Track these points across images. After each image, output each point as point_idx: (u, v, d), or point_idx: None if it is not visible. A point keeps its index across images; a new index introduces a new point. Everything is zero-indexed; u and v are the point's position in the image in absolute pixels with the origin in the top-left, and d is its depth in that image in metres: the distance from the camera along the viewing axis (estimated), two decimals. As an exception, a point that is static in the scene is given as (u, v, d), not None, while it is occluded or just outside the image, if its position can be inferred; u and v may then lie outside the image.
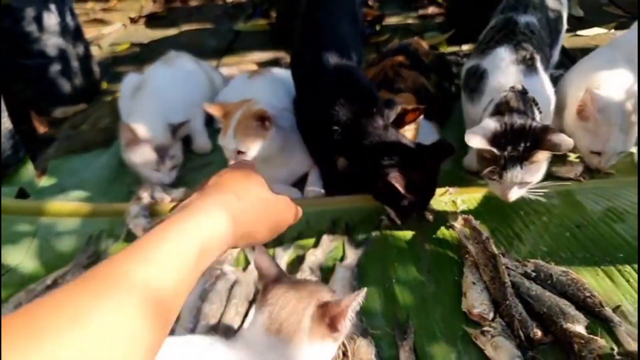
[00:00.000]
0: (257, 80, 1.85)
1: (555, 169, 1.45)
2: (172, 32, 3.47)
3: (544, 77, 1.42)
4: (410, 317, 1.12)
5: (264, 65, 2.55)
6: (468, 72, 1.53)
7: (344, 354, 1.02)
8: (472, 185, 1.51)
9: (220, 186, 0.65)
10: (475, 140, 1.19)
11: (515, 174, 1.19)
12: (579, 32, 2.60)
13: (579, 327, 1.00)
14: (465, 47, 2.61)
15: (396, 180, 1.21)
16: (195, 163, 1.84)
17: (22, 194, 1.71)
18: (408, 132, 1.44)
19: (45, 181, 1.83)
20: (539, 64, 1.40)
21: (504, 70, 1.37)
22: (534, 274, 1.16)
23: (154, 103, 1.80)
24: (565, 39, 2.51)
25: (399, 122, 1.42)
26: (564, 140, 1.15)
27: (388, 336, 1.09)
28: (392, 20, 3.18)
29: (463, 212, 1.37)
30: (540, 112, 1.29)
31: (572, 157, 1.57)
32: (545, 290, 1.11)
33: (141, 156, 1.64)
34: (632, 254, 1.18)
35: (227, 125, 1.45)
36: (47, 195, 1.72)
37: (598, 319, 1.05)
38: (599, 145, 1.41)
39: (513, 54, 1.39)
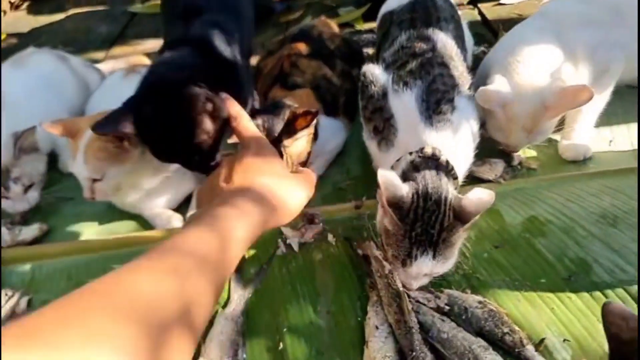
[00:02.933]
0: (133, 80, 1.52)
1: (475, 168, 1.26)
2: (58, 17, 3.00)
3: (467, 113, 1.13)
4: (302, 380, 0.91)
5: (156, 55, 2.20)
6: (370, 98, 1.17)
7: None
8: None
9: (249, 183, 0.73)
10: (388, 184, 0.92)
11: (422, 263, 0.91)
12: (502, 1, 2.42)
13: (496, 381, 0.83)
14: (384, 24, 2.38)
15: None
16: (61, 186, 1.51)
17: None
18: (301, 141, 1.20)
19: None
20: (454, 108, 1.09)
21: (413, 125, 1.07)
22: (447, 307, 0.98)
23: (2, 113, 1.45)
24: (487, 9, 2.34)
25: (289, 130, 1.16)
26: (479, 194, 0.88)
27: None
28: (305, -7, 2.89)
29: (369, 232, 1.16)
30: (455, 178, 1.03)
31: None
32: (459, 329, 0.92)
33: None
34: (554, 279, 1.02)
35: (76, 147, 1.16)
36: None
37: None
38: (500, 137, 1.27)
39: (422, 102, 1.08)
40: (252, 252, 1.19)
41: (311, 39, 1.65)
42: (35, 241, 1.31)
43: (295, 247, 1.18)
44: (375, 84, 1.17)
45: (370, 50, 1.99)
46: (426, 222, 0.90)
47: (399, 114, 1.11)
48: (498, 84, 1.20)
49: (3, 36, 2.85)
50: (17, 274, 1.21)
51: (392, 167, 1.07)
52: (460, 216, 0.90)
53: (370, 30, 2.34)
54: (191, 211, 1.30)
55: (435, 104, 1.08)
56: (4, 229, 1.29)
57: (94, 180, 1.17)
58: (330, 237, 1.20)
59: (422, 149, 1.03)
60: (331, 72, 1.57)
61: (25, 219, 1.38)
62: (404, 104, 1.10)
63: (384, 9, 1.49)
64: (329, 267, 1.14)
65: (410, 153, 1.04)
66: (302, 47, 1.60)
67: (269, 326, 1.03)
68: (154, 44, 2.44)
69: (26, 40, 2.71)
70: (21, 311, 1.12)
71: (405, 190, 0.93)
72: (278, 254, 1.18)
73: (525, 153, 1.39)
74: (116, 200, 1.32)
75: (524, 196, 1.24)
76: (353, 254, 1.15)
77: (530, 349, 0.89)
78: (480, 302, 0.97)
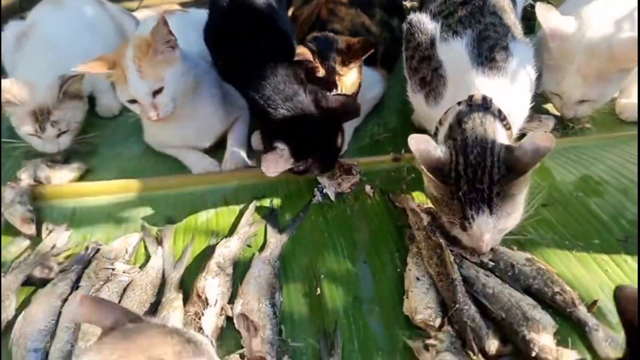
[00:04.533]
0: (169, 21, 1.49)
1: (523, 125, 1.19)
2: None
3: (524, 57, 1.05)
4: (340, 324, 0.90)
5: (190, 6, 2.16)
6: (417, 47, 1.10)
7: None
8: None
9: None
10: (421, 148, 0.87)
11: (482, 222, 0.85)
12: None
13: (546, 337, 0.79)
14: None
15: (266, 164, 1.00)
16: (99, 129, 1.51)
17: None
18: (354, 71, 1.15)
19: None
20: (509, 55, 1.02)
21: (463, 74, 1.00)
22: (491, 263, 0.94)
23: (43, 53, 1.45)
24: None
25: (343, 60, 1.12)
26: (538, 138, 0.83)
27: (312, 350, 0.87)
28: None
29: (408, 185, 1.12)
30: (509, 128, 0.96)
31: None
32: (505, 286, 0.88)
33: (17, 120, 1.33)
34: (609, 240, 0.96)
35: (125, 70, 1.14)
36: None
37: (570, 321, 0.84)
38: (552, 84, 1.18)
39: (474, 48, 1.01)
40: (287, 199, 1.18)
41: (350, -14, 1.58)
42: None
43: (332, 197, 1.16)
44: (422, 32, 1.10)
45: (407, 4, 1.90)
46: (472, 178, 0.84)
47: (448, 63, 1.04)
48: (564, 19, 1.13)
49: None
50: (59, 210, 1.23)
51: (440, 122, 1.01)
52: (515, 167, 0.84)
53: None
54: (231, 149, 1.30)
55: (488, 50, 1.01)
56: (43, 166, 1.30)
57: (155, 94, 1.16)
58: (367, 189, 1.17)
59: (471, 97, 0.97)
60: (370, 21, 1.50)
61: (66, 158, 1.39)
62: (454, 52, 1.03)
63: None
64: (366, 218, 1.11)
65: (459, 103, 0.98)
66: (340, -6, 1.53)
67: (305, 272, 1.01)
68: (187, -6, 2.40)
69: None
70: (62, 245, 1.14)
71: (441, 150, 0.88)
72: (314, 202, 1.16)
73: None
74: (165, 133, 1.32)
75: (577, 155, 1.17)
76: (392, 206, 1.11)
77: (582, 309, 0.85)
78: (528, 260, 0.93)
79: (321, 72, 1.08)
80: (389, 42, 1.43)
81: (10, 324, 0.95)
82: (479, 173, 0.85)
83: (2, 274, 1.06)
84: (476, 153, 0.86)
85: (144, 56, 1.14)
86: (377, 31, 1.44)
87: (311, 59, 1.05)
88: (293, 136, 1.03)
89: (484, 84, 0.99)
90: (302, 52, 1.06)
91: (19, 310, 0.98)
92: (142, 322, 0.60)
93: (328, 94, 1.07)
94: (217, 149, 1.34)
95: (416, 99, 1.14)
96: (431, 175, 0.86)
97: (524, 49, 1.06)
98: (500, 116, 0.95)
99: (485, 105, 0.96)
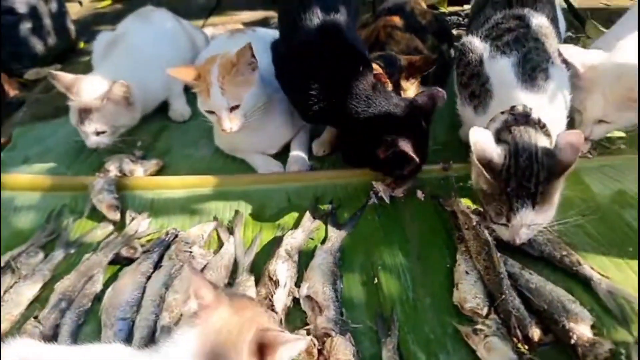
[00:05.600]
0: (238, 39, 1.66)
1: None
2: (157, -13, 3.23)
3: (561, 80, 1.20)
4: (396, 310, 1.01)
5: (253, 25, 2.35)
6: (468, 64, 1.26)
7: (320, 352, 0.92)
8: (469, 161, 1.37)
9: None
10: (479, 144, 1.01)
11: (525, 215, 0.99)
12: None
13: (584, 327, 0.89)
14: (468, 7, 2.40)
15: (407, 147, 1.11)
16: (172, 131, 1.69)
17: (-18, 164, 1.57)
18: (412, 90, 1.29)
19: (8, 150, 1.68)
20: (549, 76, 1.17)
21: (508, 88, 1.15)
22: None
23: (122, 59, 1.64)
24: (574, -2, 2.32)
25: (406, 75, 1.27)
26: (570, 137, 0.96)
27: (370, 332, 0.98)
28: (391, -24, 2.93)
29: (457, 190, 1.23)
30: (549, 136, 1.08)
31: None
32: (547, 283, 0.99)
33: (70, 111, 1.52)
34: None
35: (208, 84, 1.29)
36: (9, 166, 1.58)
37: (576, 279, 1.00)
38: (577, 101, 1.28)
39: (519, 67, 1.16)
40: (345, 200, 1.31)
41: (405, 13, 1.73)
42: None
43: (387, 199, 1.28)
44: (473, 52, 1.26)
45: (454, 32, 2.05)
46: (520, 177, 0.98)
47: (495, 78, 1.19)
48: (591, 52, 1.26)
49: (109, 2, 3.12)
50: (139, 200, 1.38)
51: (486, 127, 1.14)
52: (556, 168, 0.97)
53: (455, 13, 2.38)
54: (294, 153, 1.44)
55: (531, 70, 1.16)
56: (127, 160, 1.47)
57: (232, 109, 1.29)
58: (419, 194, 1.29)
59: (513, 107, 1.11)
60: (422, 45, 1.64)
61: (144, 155, 1.56)
62: (501, 68, 1.18)
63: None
64: (417, 219, 1.23)
65: (502, 112, 1.12)
66: (396, 19, 1.68)
67: (363, 264, 1.13)
68: (248, 15, 2.61)
69: (131, 6, 2.95)
70: (143, 231, 1.29)
71: (497, 152, 1.01)
72: (369, 203, 1.28)
73: (614, 133, 1.41)
74: (237, 140, 1.46)
75: (613, 172, 1.28)
76: (441, 210, 1.23)
77: (586, 267, 1.00)
78: (540, 232, 1.06)
79: (389, 86, 1.22)
80: (439, 65, 1.57)
81: (98, 296, 1.09)
82: (527, 174, 0.98)
83: (90, 253, 1.21)
84: (525, 157, 1.00)
85: (227, 74, 1.27)
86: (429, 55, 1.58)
87: (383, 74, 1.20)
88: (405, 132, 1.16)
89: (526, 98, 1.13)
90: (376, 68, 1.20)
91: (106, 285, 1.11)
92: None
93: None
94: (281, 153, 1.49)
95: (466, 111, 1.29)
96: (484, 171, 0.99)
97: (560, 73, 1.21)
98: (540, 124, 1.09)
99: (526, 115, 1.10)
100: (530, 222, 0.99)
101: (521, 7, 1.31)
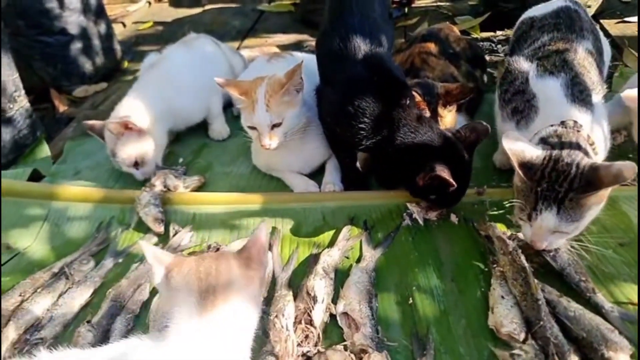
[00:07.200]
0: (277, 63, 1.75)
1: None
2: (195, 11, 3.40)
3: (601, 114, 1.24)
4: (431, 330, 1.03)
5: (286, 48, 2.45)
6: (513, 82, 1.32)
7: (356, 367, 0.95)
8: (503, 186, 1.39)
9: None
10: (512, 145, 1.05)
11: (547, 217, 1.01)
12: (627, 19, 2.39)
13: (623, 356, 0.89)
14: (500, 33, 2.44)
15: (444, 172, 1.14)
16: (212, 149, 1.77)
17: (35, 176, 1.67)
18: (449, 117, 1.33)
19: (60, 163, 1.79)
20: (594, 99, 1.23)
21: (557, 105, 1.20)
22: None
23: (159, 82, 1.72)
24: (611, 26, 2.33)
25: (444, 103, 1.31)
26: (625, 167, 0.96)
27: (405, 350, 1.00)
28: (421, 1, 3.01)
29: (490, 217, 1.25)
30: (596, 154, 1.13)
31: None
32: (587, 312, 0.99)
33: None
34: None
35: (254, 100, 1.35)
36: (60, 178, 1.68)
37: (588, 305, 1.01)
38: (615, 124, 1.32)
39: (568, 88, 1.21)
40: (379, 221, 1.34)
41: (439, 39, 1.78)
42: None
43: (421, 221, 1.31)
44: (519, 70, 1.32)
45: (487, 57, 2.08)
46: (554, 181, 1.01)
47: (542, 96, 1.24)
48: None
49: (150, 24, 3.28)
50: (182, 214, 1.45)
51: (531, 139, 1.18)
52: (594, 182, 0.99)
53: (488, 39, 2.42)
54: (327, 180, 1.48)
55: (579, 92, 1.21)
56: (171, 176, 1.53)
57: (274, 126, 1.36)
58: (453, 217, 1.31)
59: (563, 122, 1.15)
60: (457, 72, 1.69)
61: (185, 171, 1.64)
62: (549, 88, 1.24)
63: (526, 15, 1.59)
64: (451, 242, 1.25)
65: (552, 125, 1.16)
66: (431, 46, 1.73)
67: (397, 284, 1.16)
68: (281, 38, 2.71)
69: (170, 28, 3.11)
70: (185, 244, 1.35)
71: (537, 153, 1.05)
72: (403, 225, 1.32)
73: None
74: (275, 159, 1.53)
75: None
76: (476, 234, 1.25)
77: (599, 296, 1.01)
78: (568, 249, 1.08)
79: (428, 114, 1.26)
80: (473, 91, 1.60)
81: (145, 303, 1.15)
82: (560, 178, 1.01)
83: (138, 263, 1.28)
84: (565, 162, 1.02)
85: (274, 93, 1.34)
86: (463, 81, 1.62)
87: (423, 102, 1.24)
88: (447, 162, 1.18)
89: (576, 115, 1.17)
90: (415, 96, 1.25)
91: (152, 293, 1.17)
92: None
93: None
94: (315, 173, 1.54)
95: (506, 126, 1.32)
96: (519, 170, 1.04)
97: (600, 105, 1.25)
98: (589, 140, 1.13)
99: (577, 129, 1.14)
100: (553, 227, 1.01)
101: (570, 32, 1.37)
